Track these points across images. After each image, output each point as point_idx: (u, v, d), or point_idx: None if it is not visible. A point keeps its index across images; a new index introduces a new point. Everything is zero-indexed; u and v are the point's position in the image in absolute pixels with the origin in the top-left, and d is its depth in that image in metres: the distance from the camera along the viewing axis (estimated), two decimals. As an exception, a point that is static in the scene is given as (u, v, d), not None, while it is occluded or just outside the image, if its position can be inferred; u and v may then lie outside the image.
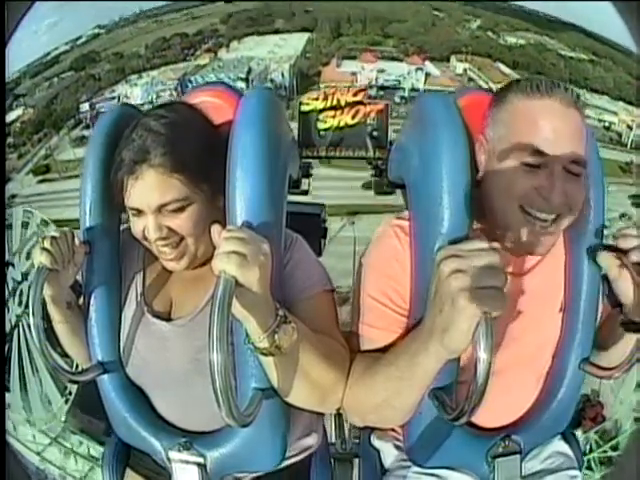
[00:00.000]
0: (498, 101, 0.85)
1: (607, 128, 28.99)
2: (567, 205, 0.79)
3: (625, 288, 0.79)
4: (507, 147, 0.80)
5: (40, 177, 27.57)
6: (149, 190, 0.81)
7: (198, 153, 0.84)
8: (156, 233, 0.83)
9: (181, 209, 0.83)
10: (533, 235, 0.80)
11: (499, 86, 0.92)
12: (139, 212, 0.84)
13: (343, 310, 0.94)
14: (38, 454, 6.96)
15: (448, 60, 35.27)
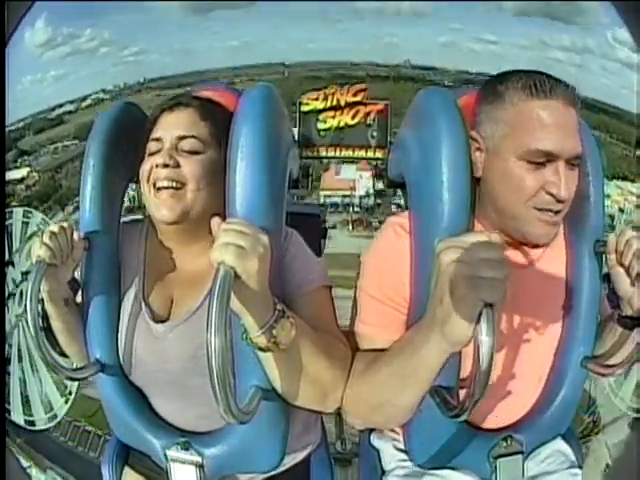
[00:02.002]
0: (494, 98, 0.84)
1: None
2: (570, 196, 0.82)
3: (623, 277, 0.81)
4: (512, 147, 0.81)
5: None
6: (177, 121, 0.90)
7: (223, 114, 0.92)
8: (165, 159, 0.86)
9: (196, 152, 0.88)
10: (539, 226, 0.83)
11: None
12: (156, 149, 0.88)
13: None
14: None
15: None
